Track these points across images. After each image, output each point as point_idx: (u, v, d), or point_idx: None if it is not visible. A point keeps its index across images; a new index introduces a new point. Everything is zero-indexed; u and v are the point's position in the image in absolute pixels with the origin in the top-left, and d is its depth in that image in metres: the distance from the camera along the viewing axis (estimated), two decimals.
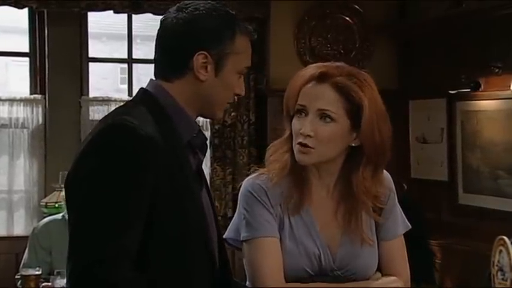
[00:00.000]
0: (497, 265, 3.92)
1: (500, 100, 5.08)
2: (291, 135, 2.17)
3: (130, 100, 2.01)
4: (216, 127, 5.84)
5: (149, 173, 1.80)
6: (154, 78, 2.01)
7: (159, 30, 2.00)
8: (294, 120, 2.15)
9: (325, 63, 2.18)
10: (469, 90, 5.26)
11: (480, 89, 5.22)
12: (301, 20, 6.01)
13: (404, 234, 2.26)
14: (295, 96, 2.15)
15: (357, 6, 6.07)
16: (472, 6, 5.20)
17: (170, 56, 1.97)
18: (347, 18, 6.09)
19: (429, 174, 5.81)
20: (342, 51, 6.01)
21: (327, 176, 2.18)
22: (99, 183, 1.77)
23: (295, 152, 2.14)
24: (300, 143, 2.12)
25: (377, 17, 6.09)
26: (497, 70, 5.06)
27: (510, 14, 4.90)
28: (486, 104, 5.22)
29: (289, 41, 5.98)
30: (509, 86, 4.94)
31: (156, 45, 2.01)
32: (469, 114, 5.39)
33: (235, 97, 2.03)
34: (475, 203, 5.28)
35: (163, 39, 1.99)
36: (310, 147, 2.11)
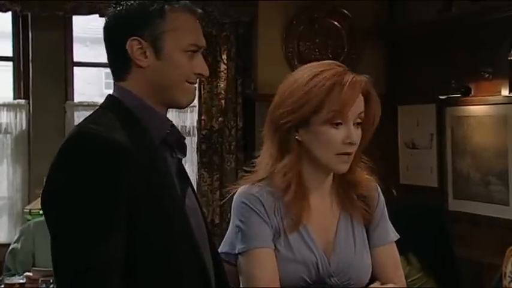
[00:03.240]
0: (509, 276, 3.86)
1: (490, 105, 5.04)
2: (297, 155, 2.11)
3: (99, 107, 1.96)
4: (203, 132, 5.75)
5: (121, 178, 1.75)
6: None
7: None
8: (330, 130, 2.08)
9: (334, 63, 2.21)
10: (459, 95, 5.21)
11: (470, 94, 5.17)
12: (289, 24, 5.95)
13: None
14: (350, 106, 2.09)
15: (345, 11, 6.02)
16: (461, 10, 5.16)
17: (112, 54, 1.94)
18: (335, 23, 6.04)
19: (418, 180, 5.75)
20: (330, 55, 5.94)
21: (324, 182, 2.16)
22: (72, 196, 1.74)
23: (334, 162, 2.10)
24: (346, 153, 2.09)
25: (366, 21, 6.05)
26: (487, 75, 5.01)
27: (500, 18, 4.86)
28: (476, 110, 5.18)
29: (277, 45, 5.92)
30: (500, 91, 4.90)
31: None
32: (459, 119, 5.35)
33: (198, 78, 1.95)
34: (466, 209, 5.23)
35: (104, 40, 1.95)
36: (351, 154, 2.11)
